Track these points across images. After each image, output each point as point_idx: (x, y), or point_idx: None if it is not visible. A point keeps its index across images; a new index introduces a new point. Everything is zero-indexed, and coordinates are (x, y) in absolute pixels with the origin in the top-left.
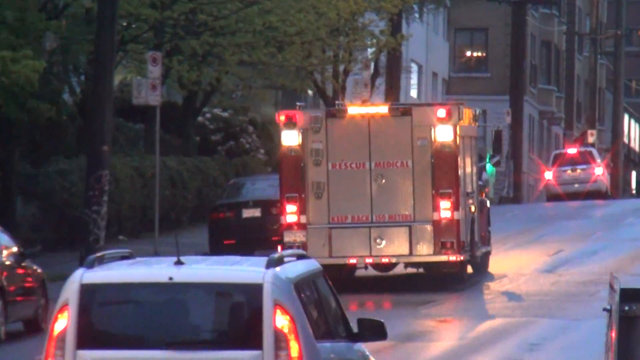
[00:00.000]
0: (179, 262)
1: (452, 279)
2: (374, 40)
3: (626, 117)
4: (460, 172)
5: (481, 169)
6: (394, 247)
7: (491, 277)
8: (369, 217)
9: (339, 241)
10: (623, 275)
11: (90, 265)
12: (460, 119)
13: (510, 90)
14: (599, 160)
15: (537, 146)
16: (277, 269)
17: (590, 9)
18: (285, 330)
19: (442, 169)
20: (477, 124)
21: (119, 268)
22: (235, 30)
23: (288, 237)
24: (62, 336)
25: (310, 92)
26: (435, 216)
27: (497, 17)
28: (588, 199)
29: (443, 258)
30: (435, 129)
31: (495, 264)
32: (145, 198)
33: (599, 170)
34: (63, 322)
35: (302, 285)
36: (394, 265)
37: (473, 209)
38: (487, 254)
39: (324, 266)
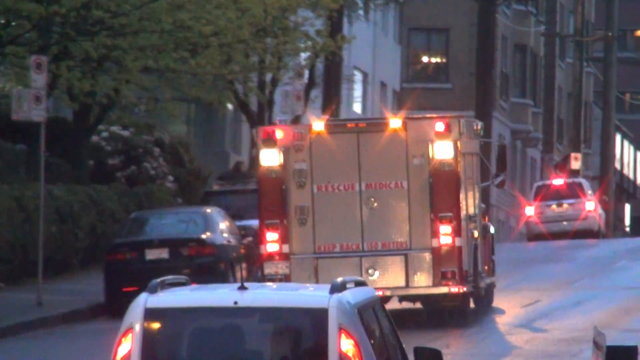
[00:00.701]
0: (242, 287)
1: (452, 315)
2: (309, 43)
3: (618, 137)
4: (461, 193)
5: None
6: (388, 278)
7: (455, 333)
8: (360, 246)
9: (327, 273)
10: (611, 331)
11: (153, 290)
12: (461, 133)
13: (476, 104)
14: (590, 194)
15: (510, 173)
16: (341, 294)
17: (574, 6)
18: (350, 354)
19: (441, 190)
20: (478, 139)
21: (182, 293)
22: (138, 30)
23: (269, 269)
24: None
25: (230, 106)
26: (435, 243)
27: (460, 16)
28: (577, 239)
29: (443, 290)
30: (434, 145)
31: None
32: (26, 235)
33: (591, 206)
34: (127, 346)
35: (363, 310)
36: (388, 298)
37: (476, 234)
38: (492, 286)
39: None
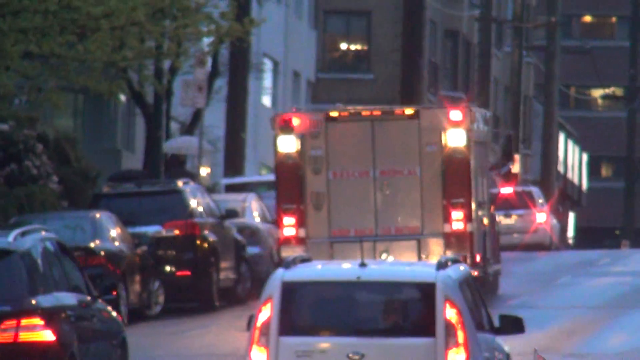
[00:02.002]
0: (363, 264)
1: None
2: (213, 27)
3: (562, 136)
4: (472, 180)
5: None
6: None
7: None
8: (374, 230)
9: (341, 256)
10: (552, 356)
11: (288, 266)
12: (472, 122)
13: (401, 97)
14: (541, 203)
15: None
16: (445, 270)
17: None
18: (454, 321)
19: (453, 177)
20: (489, 128)
21: (312, 268)
22: (18, 10)
23: (286, 252)
24: (266, 325)
25: (122, 97)
26: (447, 228)
27: None
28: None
29: None
30: (447, 133)
31: None
32: None
33: (542, 217)
34: (267, 313)
35: (462, 284)
36: None
37: (486, 221)
38: (498, 273)
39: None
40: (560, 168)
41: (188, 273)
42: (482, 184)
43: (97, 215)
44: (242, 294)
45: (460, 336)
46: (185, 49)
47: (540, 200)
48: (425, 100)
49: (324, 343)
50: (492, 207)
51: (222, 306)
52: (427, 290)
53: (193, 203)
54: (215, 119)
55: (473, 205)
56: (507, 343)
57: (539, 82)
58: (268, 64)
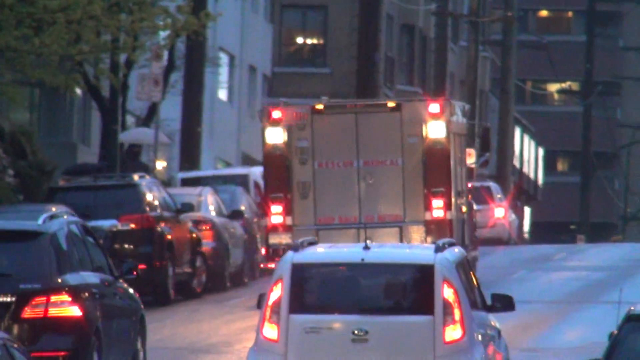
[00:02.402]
0: (366, 247)
1: None
2: (169, 20)
3: (518, 131)
4: (452, 170)
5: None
6: None
7: None
8: (358, 218)
9: (327, 243)
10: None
11: (297, 249)
12: (451, 114)
13: (357, 91)
14: (499, 198)
15: None
16: (443, 253)
17: None
18: (451, 300)
19: (434, 167)
20: (467, 120)
21: (319, 251)
22: None
23: (273, 239)
24: (277, 303)
25: (78, 91)
26: (427, 216)
27: None
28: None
29: None
30: (427, 125)
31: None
32: None
33: (500, 212)
34: (277, 292)
35: (459, 266)
36: None
37: (464, 209)
38: (475, 260)
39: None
40: (516, 163)
41: (144, 267)
42: (461, 173)
43: (53, 209)
44: (197, 287)
45: (457, 314)
46: (142, 43)
47: (499, 196)
48: (381, 95)
49: (331, 320)
50: (469, 196)
51: (178, 300)
52: (426, 272)
53: (149, 197)
54: (171, 112)
55: (452, 194)
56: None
57: (495, 76)
58: (224, 58)
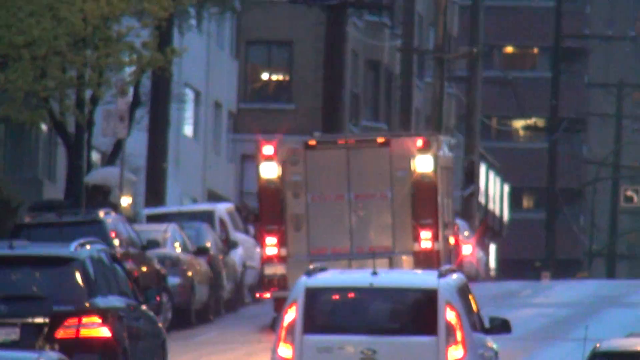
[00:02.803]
0: (374, 273)
1: None
2: (134, 56)
3: (483, 167)
4: (439, 202)
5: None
6: None
7: None
8: (349, 249)
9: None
10: None
11: (310, 274)
12: (438, 148)
13: (323, 128)
14: (467, 235)
15: None
16: (445, 278)
17: (435, 18)
18: (453, 322)
19: (422, 200)
20: (453, 154)
21: (331, 276)
22: None
23: (268, 270)
24: (292, 325)
25: (44, 126)
26: (416, 247)
27: (305, 27)
28: None
29: None
30: (415, 159)
31: None
32: None
33: (467, 250)
34: (292, 314)
35: (459, 290)
36: None
37: (451, 240)
38: None
39: None
40: (482, 199)
41: None
42: (448, 205)
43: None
44: (163, 324)
45: (459, 335)
46: (107, 79)
47: (466, 233)
48: (347, 131)
49: (342, 340)
50: (455, 227)
51: None
52: (430, 296)
53: (114, 233)
54: (136, 148)
55: (440, 226)
56: None
57: (460, 112)
58: (189, 94)
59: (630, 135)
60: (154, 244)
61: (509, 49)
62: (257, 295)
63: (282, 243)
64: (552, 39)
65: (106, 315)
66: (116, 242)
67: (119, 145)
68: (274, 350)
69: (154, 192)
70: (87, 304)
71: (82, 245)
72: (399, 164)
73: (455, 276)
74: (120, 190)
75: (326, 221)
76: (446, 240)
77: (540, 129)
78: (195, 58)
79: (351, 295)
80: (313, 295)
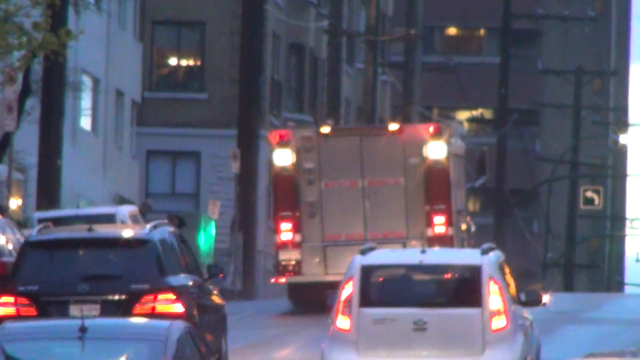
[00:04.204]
0: (423, 251)
1: None
2: (24, 39)
3: None
4: (452, 188)
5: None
6: None
7: None
8: (363, 235)
9: (334, 259)
10: None
11: (364, 253)
12: (451, 136)
13: (239, 120)
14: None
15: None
16: (488, 255)
17: None
18: (496, 294)
19: (435, 185)
20: (465, 143)
21: (383, 254)
22: None
23: (283, 256)
24: (349, 299)
25: None
26: (429, 232)
27: (219, 6)
28: None
29: None
30: (428, 146)
31: None
32: None
33: None
34: (349, 290)
35: (500, 266)
36: None
37: (464, 227)
38: None
39: (319, 284)
40: None
41: None
42: (460, 194)
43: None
44: None
45: (501, 306)
46: None
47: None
48: (266, 124)
49: (395, 313)
50: (468, 218)
51: None
52: (474, 271)
53: (1, 240)
54: (26, 144)
55: (453, 212)
56: None
57: (396, 103)
58: (87, 82)
59: (589, 128)
60: None
61: (452, 31)
62: (272, 280)
63: (296, 229)
64: (501, 20)
65: (179, 292)
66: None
67: (6, 140)
68: (332, 323)
69: (47, 193)
70: (161, 282)
71: (155, 227)
72: (412, 151)
73: (495, 253)
74: (8, 191)
75: (340, 208)
76: (459, 227)
77: (487, 122)
78: (94, 41)
79: (402, 271)
80: (368, 272)
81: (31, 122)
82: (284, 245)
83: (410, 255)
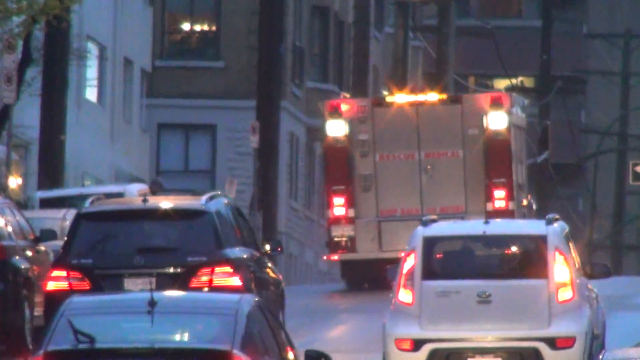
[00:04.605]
0: (486, 222)
1: None
2: (24, 3)
3: None
4: (513, 161)
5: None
6: None
7: None
8: (419, 210)
9: (389, 235)
10: None
11: (426, 224)
12: (512, 106)
13: (259, 90)
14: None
15: (305, 188)
16: (553, 225)
17: None
18: (562, 265)
19: (495, 158)
20: (525, 116)
21: (447, 226)
22: None
23: (336, 232)
24: (411, 272)
25: None
26: (489, 207)
27: None
28: None
29: None
30: (488, 116)
31: None
32: None
33: None
34: (411, 262)
35: (566, 237)
36: None
37: (525, 202)
38: None
39: (375, 261)
40: None
41: None
42: (521, 168)
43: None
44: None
45: (567, 278)
46: None
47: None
48: (288, 94)
49: (459, 285)
50: (529, 196)
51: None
52: (540, 241)
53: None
54: (27, 117)
55: (514, 186)
56: None
57: (429, 70)
58: (92, 50)
59: (639, 97)
60: (49, 234)
61: None
62: (325, 257)
63: (349, 204)
64: None
65: (236, 265)
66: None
67: (5, 113)
68: (394, 296)
69: (50, 170)
70: (218, 255)
71: (211, 198)
72: (471, 122)
73: (560, 223)
74: (7, 169)
75: (395, 181)
76: (520, 202)
77: (529, 91)
78: (100, 5)
79: (466, 243)
80: (430, 244)
81: (32, 93)
82: (337, 221)
83: (474, 226)
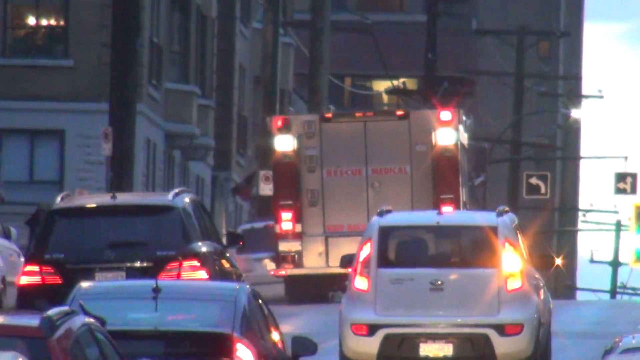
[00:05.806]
0: (439, 213)
1: None
2: None
3: None
4: (461, 177)
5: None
6: None
7: None
8: (366, 225)
9: (336, 250)
10: None
11: (382, 215)
12: (459, 123)
13: (112, 93)
14: None
15: None
16: (503, 217)
17: None
18: (512, 255)
19: (443, 174)
20: (469, 135)
21: (400, 216)
22: None
23: (283, 247)
24: (367, 260)
25: None
26: None
27: None
28: None
29: None
30: (436, 132)
31: None
32: None
33: None
34: (367, 251)
35: (516, 228)
36: None
37: None
38: None
39: (321, 276)
40: None
41: None
42: (466, 184)
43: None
44: None
45: (517, 267)
46: None
47: None
48: (144, 96)
49: (412, 273)
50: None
51: None
52: (490, 232)
53: None
54: None
55: (461, 202)
56: None
57: (301, 70)
58: None
59: (535, 101)
60: None
61: None
62: (271, 273)
63: (297, 219)
64: None
65: (203, 259)
66: None
67: None
68: (350, 283)
69: None
70: (186, 249)
71: (178, 194)
72: (419, 138)
73: (509, 216)
74: None
75: (342, 197)
76: None
77: (411, 93)
78: None
79: (420, 232)
80: (385, 233)
81: None
82: (284, 236)
83: (428, 216)
